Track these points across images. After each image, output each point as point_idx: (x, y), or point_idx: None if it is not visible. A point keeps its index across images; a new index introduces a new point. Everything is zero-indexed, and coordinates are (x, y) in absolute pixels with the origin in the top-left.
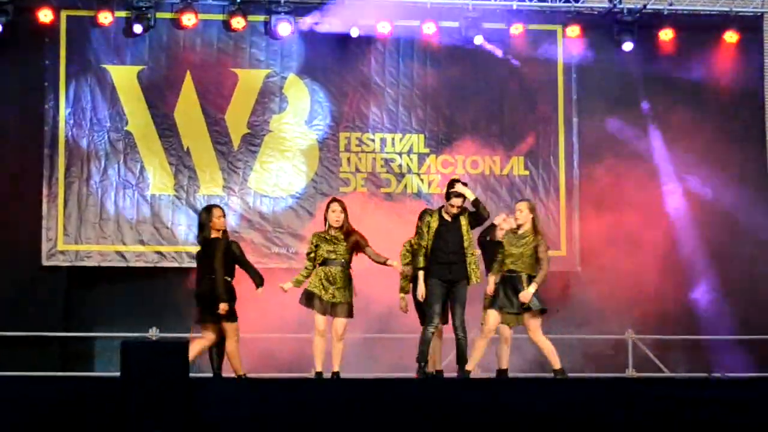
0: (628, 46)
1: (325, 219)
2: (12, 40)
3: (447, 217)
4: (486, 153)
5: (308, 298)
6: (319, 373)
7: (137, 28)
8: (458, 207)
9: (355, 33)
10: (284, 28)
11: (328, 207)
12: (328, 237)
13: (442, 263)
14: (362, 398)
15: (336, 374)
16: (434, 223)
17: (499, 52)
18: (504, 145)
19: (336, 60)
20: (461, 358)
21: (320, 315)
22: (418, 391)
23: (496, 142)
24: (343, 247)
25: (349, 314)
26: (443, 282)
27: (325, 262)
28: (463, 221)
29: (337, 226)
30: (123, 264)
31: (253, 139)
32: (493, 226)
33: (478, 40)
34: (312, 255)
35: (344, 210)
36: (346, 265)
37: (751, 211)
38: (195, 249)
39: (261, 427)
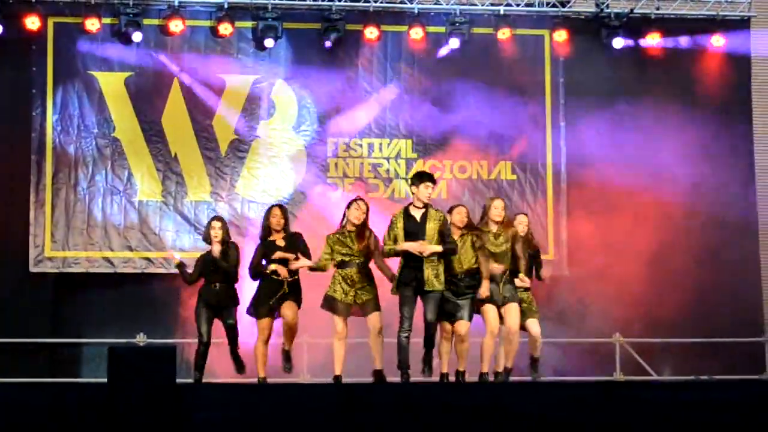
0: (618, 42)
1: (343, 217)
2: (0, 46)
3: (415, 214)
4: (473, 158)
5: (329, 303)
6: (337, 377)
7: (136, 36)
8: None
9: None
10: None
11: (350, 204)
12: (342, 238)
13: (410, 266)
14: (352, 402)
15: (379, 371)
16: (400, 223)
17: (486, 58)
18: (491, 149)
19: (324, 65)
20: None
21: (341, 318)
22: (403, 395)
23: (484, 147)
24: (357, 248)
25: (378, 307)
26: (411, 285)
27: (341, 265)
28: (431, 225)
29: (358, 222)
30: (110, 270)
31: (241, 144)
32: None
33: (455, 43)
34: (327, 256)
35: (367, 211)
36: (364, 264)
37: (739, 214)
38: (183, 255)
39: None
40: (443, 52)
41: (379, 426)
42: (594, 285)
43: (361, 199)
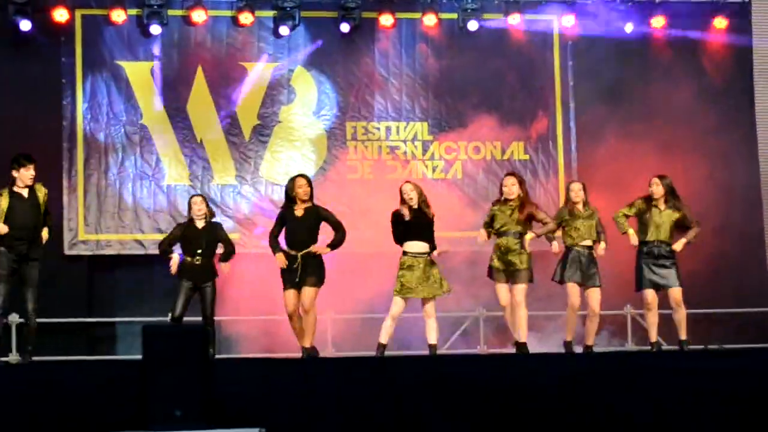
0: (625, 26)
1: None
2: (30, 39)
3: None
4: (487, 139)
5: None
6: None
7: (155, 29)
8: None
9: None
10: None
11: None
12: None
13: None
14: (377, 377)
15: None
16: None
17: (497, 42)
18: (504, 130)
19: (341, 52)
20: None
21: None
22: (423, 368)
23: (497, 128)
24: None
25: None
26: None
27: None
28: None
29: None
30: (142, 252)
31: (263, 129)
32: None
33: (473, 26)
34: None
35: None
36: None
37: (744, 188)
38: None
39: (279, 407)
40: (472, 27)
41: (403, 397)
42: (605, 259)
43: (510, 174)
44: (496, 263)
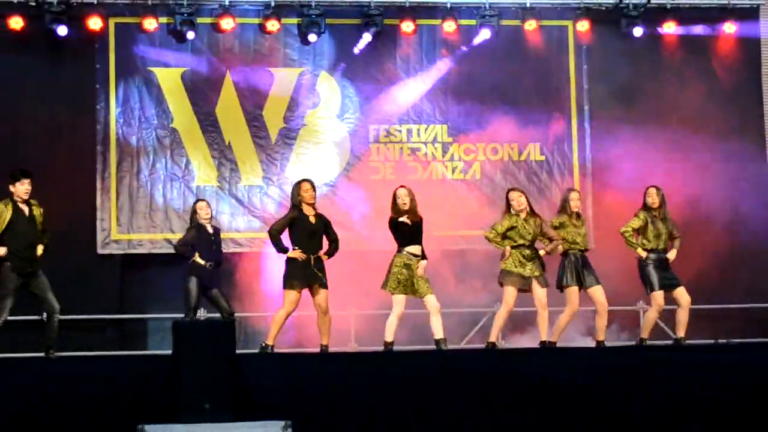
0: (638, 31)
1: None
2: (66, 46)
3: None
4: (505, 140)
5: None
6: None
7: (190, 35)
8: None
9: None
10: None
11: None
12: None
13: None
14: (400, 370)
15: (544, 343)
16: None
17: (514, 48)
18: (521, 132)
19: (364, 58)
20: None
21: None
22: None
23: (514, 130)
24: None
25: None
26: None
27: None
28: None
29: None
30: (172, 251)
31: (289, 132)
32: None
33: (486, 33)
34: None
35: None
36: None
37: (752, 185)
38: (238, 236)
39: (305, 401)
40: (477, 41)
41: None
42: (618, 257)
43: (514, 189)
44: (519, 270)
